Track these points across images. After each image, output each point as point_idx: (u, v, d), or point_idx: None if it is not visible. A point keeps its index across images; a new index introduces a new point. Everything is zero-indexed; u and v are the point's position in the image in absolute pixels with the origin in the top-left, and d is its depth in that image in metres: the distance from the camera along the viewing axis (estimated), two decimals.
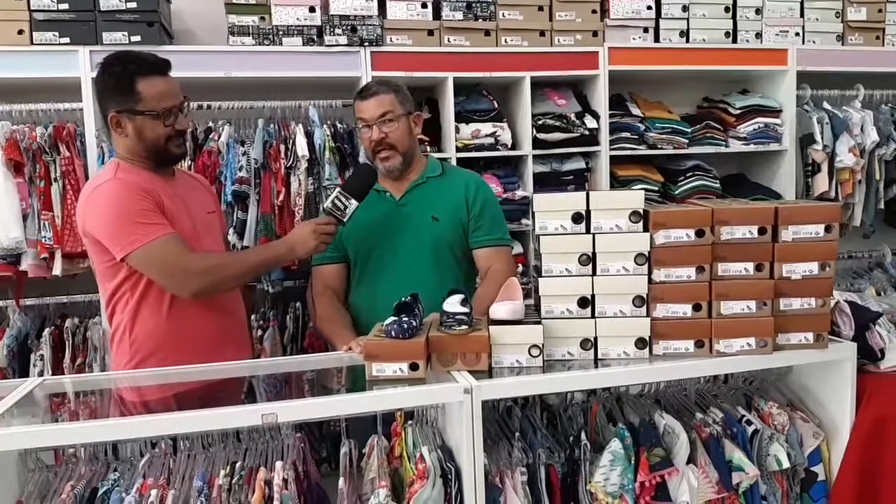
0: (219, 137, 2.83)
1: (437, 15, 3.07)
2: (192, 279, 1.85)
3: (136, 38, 2.72)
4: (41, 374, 2.71)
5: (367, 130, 2.07)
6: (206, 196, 2.17)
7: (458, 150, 3.06)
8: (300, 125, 2.87)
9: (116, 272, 1.89)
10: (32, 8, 2.69)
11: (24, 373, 2.75)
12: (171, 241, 1.83)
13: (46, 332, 2.79)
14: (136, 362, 1.91)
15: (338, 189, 1.95)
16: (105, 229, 1.83)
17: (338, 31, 2.91)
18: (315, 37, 2.92)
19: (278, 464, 1.59)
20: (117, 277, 1.89)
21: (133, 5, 2.73)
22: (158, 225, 1.83)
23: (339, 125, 2.95)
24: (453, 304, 1.71)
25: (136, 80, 1.87)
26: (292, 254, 1.98)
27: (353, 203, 1.92)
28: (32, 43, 2.70)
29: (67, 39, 2.69)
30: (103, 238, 1.84)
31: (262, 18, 2.89)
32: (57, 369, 2.76)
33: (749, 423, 1.84)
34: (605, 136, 3.24)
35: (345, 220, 1.93)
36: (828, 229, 1.73)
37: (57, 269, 2.67)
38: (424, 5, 3.04)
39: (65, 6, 2.70)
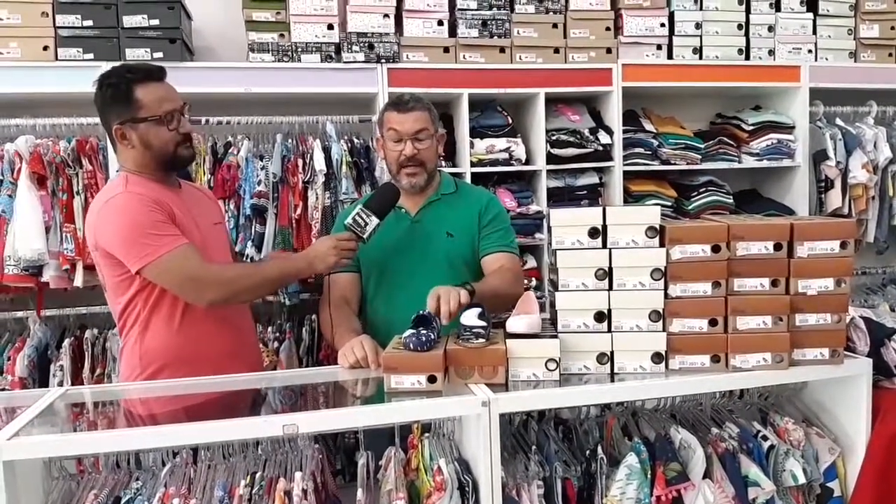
0: (238, 152, 2.88)
1: (452, 32, 3.12)
2: (209, 289, 1.86)
3: (159, 55, 2.77)
4: (61, 384, 2.74)
5: (398, 144, 2.08)
6: (212, 207, 2.18)
7: (472, 164, 3.09)
8: (318, 140, 2.92)
9: (128, 286, 1.90)
10: (58, 25, 2.76)
11: (43, 383, 2.78)
12: (187, 252, 1.84)
13: (66, 342, 2.83)
14: (146, 376, 1.92)
15: (360, 206, 1.97)
16: (119, 242, 1.84)
17: (355, 48, 2.96)
18: (333, 53, 2.97)
19: (297, 474, 1.61)
20: (129, 291, 1.90)
21: (155, 22, 2.79)
22: (173, 236, 1.84)
23: (355, 140, 2.99)
24: (470, 317, 1.73)
25: (133, 88, 1.87)
26: (311, 268, 1.98)
27: (374, 220, 1.94)
28: (57, 59, 2.77)
29: (91, 56, 2.76)
30: (117, 251, 1.84)
31: (282, 35, 2.94)
32: (76, 380, 2.79)
33: (765, 438, 1.84)
34: (618, 152, 3.27)
35: (365, 236, 1.95)
36: (843, 245, 1.74)
37: (78, 281, 2.72)
38: (440, 23, 3.08)
39: (89, 23, 2.77)
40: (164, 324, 1.91)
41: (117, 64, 2.03)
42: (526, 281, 2.96)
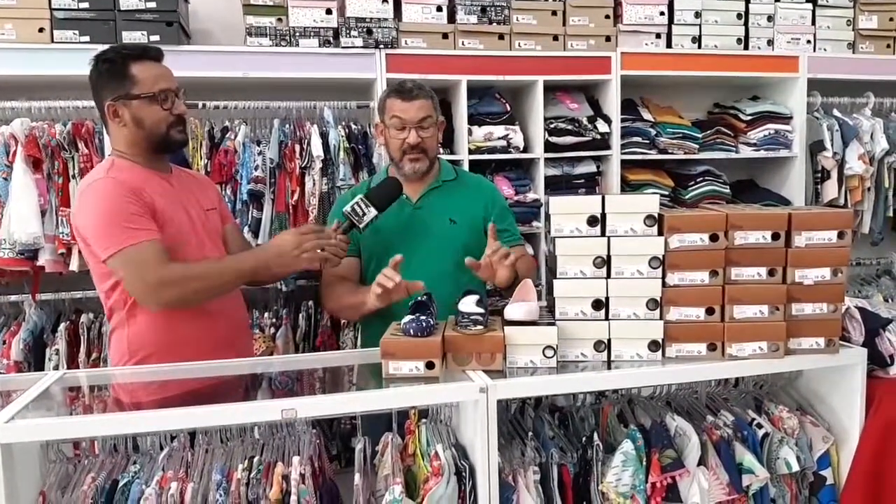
0: (235, 137, 2.87)
1: (451, 18, 3.10)
2: (158, 291, 1.81)
3: (155, 38, 2.75)
4: (56, 368, 2.74)
5: (402, 132, 2.08)
6: (206, 193, 2.12)
7: (470, 152, 3.09)
8: (315, 125, 2.91)
9: (112, 272, 1.87)
10: (53, 7, 2.74)
11: (39, 367, 2.78)
12: (149, 248, 1.79)
13: (62, 326, 2.82)
14: (134, 363, 1.91)
15: (360, 196, 1.97)
16: (92, 229, 1.82)
17: (353, 33, 2.95)
18: (331, 38, 2.95)
19: (295, 459, 1.61)
20: (113, 278, 1.88)
21: (152, 5, 2.77)
22: (141, 230, 1.80)
23: (353, 126, 2.98)
24: (468, 304, 1.74)
25: (129, 64, 1.86)
26: (268, 271, 1.89)
27: (373, 212, 1.95)
28: (53, 41, 2.74)
29: (87, 38, 2.74)
30: (90, 238, 1.83)
31: (279, 20, 2.92)
32: (72, 364, 2.79)
33: (759, 426, 1.86)
34: (616, 141, 3.27)
35: (361, 226, 1.96)
36: (840, 235, 1.74)
37: (73, 265, 2.71)
38: (439, 8, 3.07)
39: (85, 5, 2.75)
40: (150, 311, 1.88)
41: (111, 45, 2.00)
42: None
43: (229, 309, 2.04)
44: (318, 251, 1.92)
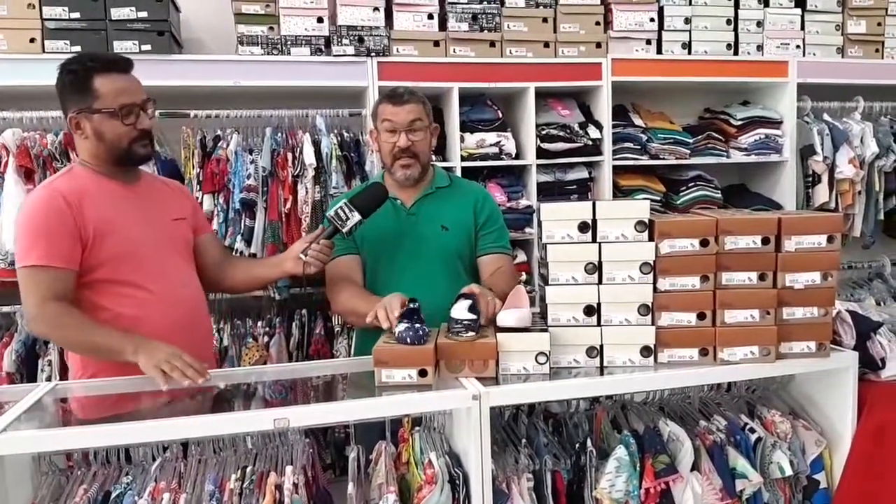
0: (227, 145, 2.86)
1: (442, 26, 3.11)
2: (33, 322, 1.83)
3: (147, 47, 2.76)
4: (49, 379, 2.72)
5: (392, 135, 2.08)
6: (176, 202, 2.07)
7: (462, 159, 3.09)
8: (307, 134, 2.91)
9: None
10: (44, 17, 2.74)
11: (31, 378, 2.76)
12: (44, 276, 1.77)
13: None
14: (88, 376, 1.88)
15: (344, 200, 1.97)
16: (16, 237, 1.83)
17: (345, 41, 2.95)
18: (323, 47, 2.96)
19: (288, 468, 1.61)
20: None
21: (143, 14, 2.77)
22: (49, 254, 1.77)
23: (345, 134, 2.99)
24: (460, 310, 1.74)
25: (92, 77, 1.82)
26: (135, 357, 1.73)
27: (356, 217, 1.94)
28: (44, 51, 2.74)
29: (79, 48, 2.73)
30: (15, 245, 1.82)
31: (271, 28, 2.93)
32: (64, 375, 2.76)
33: (752, 430, 1.86)
34: (607, 147, 3.28)
35: (344, 230, 1.95)
36: (830, 240, 1.75)
37: None
38: (431, 16, 3.08)
39: (76, 15, 2.75)
40: (103, 324, 1.83)
41: (82, 52, 1.99)
42: None
43: (187, 327, 1.96)
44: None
